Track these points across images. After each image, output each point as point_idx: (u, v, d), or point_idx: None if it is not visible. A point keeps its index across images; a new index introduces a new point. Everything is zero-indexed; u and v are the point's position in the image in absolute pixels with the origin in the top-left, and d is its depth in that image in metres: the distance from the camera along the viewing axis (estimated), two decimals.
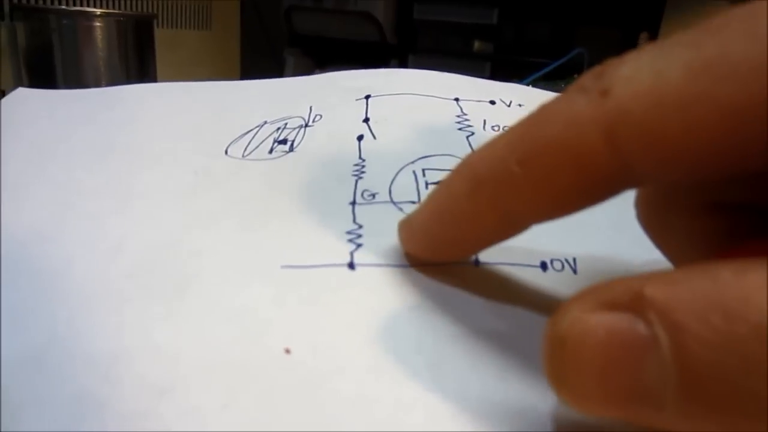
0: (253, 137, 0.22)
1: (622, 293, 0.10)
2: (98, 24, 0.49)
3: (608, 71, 0.12)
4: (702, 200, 0.14)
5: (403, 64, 0.87)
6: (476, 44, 0.84)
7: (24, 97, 0.26)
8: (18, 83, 0.51)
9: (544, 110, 0.12)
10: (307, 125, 0.23)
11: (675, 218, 0.14)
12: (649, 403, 0.10)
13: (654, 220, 0.15)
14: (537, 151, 0.12)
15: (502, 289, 0.15)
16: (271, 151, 0.21)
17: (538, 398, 0.13)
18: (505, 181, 0.13)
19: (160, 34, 0.54)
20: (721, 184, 0.13)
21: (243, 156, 0.21)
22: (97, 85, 0.48)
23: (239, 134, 0.22)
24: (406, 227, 0.16)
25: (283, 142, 0.22)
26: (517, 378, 0.13)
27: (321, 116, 0.23)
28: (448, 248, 0.15)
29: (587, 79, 0.12)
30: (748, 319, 0.09)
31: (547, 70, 0.60)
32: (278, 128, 0.23)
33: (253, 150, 0.21)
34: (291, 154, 0.21)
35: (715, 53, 0.10)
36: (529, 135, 0.13)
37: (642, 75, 0.11)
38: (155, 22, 0.54)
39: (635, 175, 0.12)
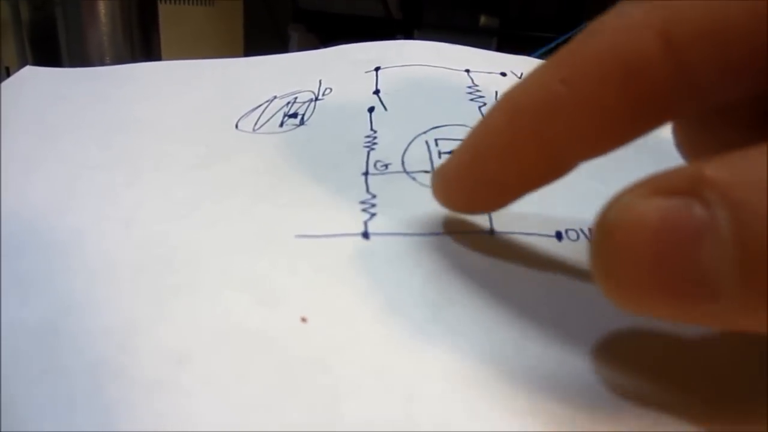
0: (263, 112, 0.22)
1: (680, 178, 0.09)
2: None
3: None
4: (754, 117, 0.13)
5: (408, 39, 0.86)
6: (482, 19, 0.83)
7: (32, 75, 0.26)
8: (21, 59, 0.50)
9: (591, 26, 0.11)
10: (317, 99, 0.22)
11: (722, 138, 0.13)
12: (705, 292, 0.09)
13: (697, 145, 0.14)
14: (584, 65, 0.11)
15: (517, 259, 0.15)
16: (281, 125, 0.21)
17: (557, 366, 0.13)
18: (548, 104, 0.12)
19: (163, 10, 0.54)
20: None
21: (254, 130, 0.21)
22: (102, 60, 0.48)
23: (249, 109, 0.22)
24: (439, 174, 0.15)
25: (294, 116, 0.22)
26: (534, 345, 0.13)
27: (331, 90, 0.23)
28: (484, 192, 0.14)
29: None
30: None
31: (554, 44, 0.59)
32: (288, 102, 0.22)
33: (264, 124, 0.21)
34: (302, 127, 0.21)
35: None
36: (575, 51, 0.11)
37: None
38: None
39: (697, 87, 0.10)
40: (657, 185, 0.10)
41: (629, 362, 0.13)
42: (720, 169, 0.09)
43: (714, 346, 0.13)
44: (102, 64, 0.48)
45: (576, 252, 0.16)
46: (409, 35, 0.86)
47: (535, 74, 0.12)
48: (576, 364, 0.13)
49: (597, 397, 0.12)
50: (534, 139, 0.12)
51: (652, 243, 0.09)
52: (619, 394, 0.12)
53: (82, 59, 0.49)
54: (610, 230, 0.10)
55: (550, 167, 0.12)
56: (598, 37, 0.11)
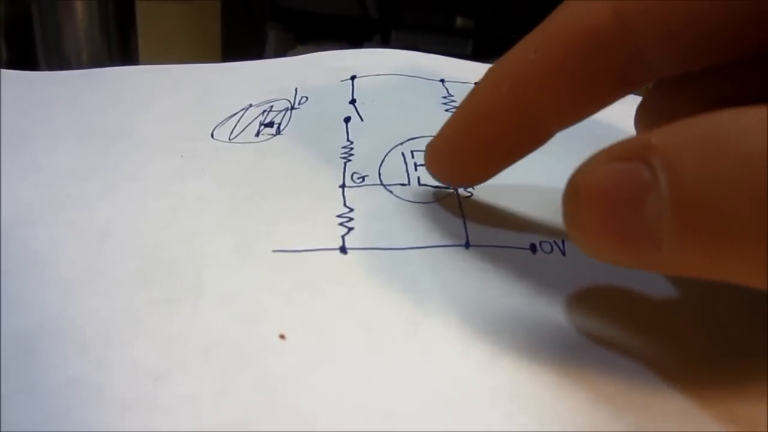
0: (239, 120, 0.22)
1: (634, 145, 0.11)
2: None
3: None
4: (707, 98, 0.14)
5: (385, 40, 0.86)
6: (458, 20, 0.83)
7: (4, 79, 0.25)
8: None
9: (563, 3, 0.13)
10: (293, 107, 0.22)
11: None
12: (649, 242, 0.10)
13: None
14: (552, 35, 0.13)
15: (492, 272, 0.15)
16: (257, 134, 0.21)
17: (530, 379, 0.13)
18: (524, 71, 0.13)
19: (140, 7, 0.53)
20: (727, 77, 0.14)
21: (229, 139, 0.21)
22: (78, 57, 0.47)
23: (224, 117, 0.22)
24: (431, 146, 0.16)
25: (270, 125, 0.22)
26: (510, 360, 0.13)
27: (307, 98, 0.23)
28: (472, 160, 0.15)
29: None
30: (739, 149, 0.09)
31: None
32: (264, 111, 0.22)
33: (240, 133, 0.21)
34: (278, 137, 0.21)
35: None
36: (547, 24, 0.13)
37: None
38: None
39: (645, 57, 0.12)
40: (615, 152, 0.11)
41: (602, 373, 0.13)
42: (662, 137, 0.10)
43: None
44: (79, 60, 0.47)
45: (549, 265, 0.16)
46: (386, 35, 0.86)
47: (516, 47, 0.14)
48: (550, 377, 0.13)
49: (572, 408, 0.12)
50: (513, 105, 0.14)
51: (607, 200, 0.11)
52: (593, 401, 0.12)
53: (58, 56, 0.48)
54: (576, 189, 0.12)
55: (530, 133, 0.14)
56: (566, 12, 0.13)
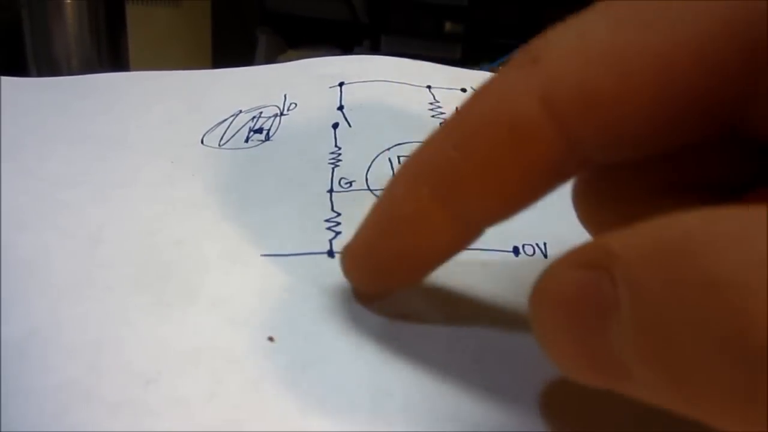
0: (229, 126, 0.22)
1: (595, 249, 0.09)
2: (68, 0, 0.47)
3: (537, 41, 0.11)
4: (647, 184, 0.13)
5: (375, 44, 0.87)
6: (447, 25, 0.84)
7: None
8: None
9: (478, 91, 0.12)
10: (282, 114, 0.23)
11: (620, 210, 0.13)
12: (617, 370, 0.09)
13: (595, 214, 0.14)
14: (472, 130, 0.11)
15: (475, 275, 0.16)
16: (247, 140, 0.21)
17: (511, 376, 0.13)
18: (445, 170, 0.12)
19: (130, 11, 0.53)
20: (668, 163, 0.12)
21: (219, 145, 0.21)
22: (68, 61, 0.47)
23: (214, 123, 0.22)
24: (347, 253, 0.14)
25: (259, 131, 0.22)
26: (493, 361, 0.14)
27: (296, 105, 0.23)
28: (396, 268, 0.13)
29: (519, 53, 0.11)
30: (708, 273, 0.08)
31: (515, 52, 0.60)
32: (253, 117, 0.23)
33: (229, 139, 0.22)
34: (267, 143, 0.21)
35: (640, 2, 0.10)
36: (464, 116, 0.12)
37: (569, 36, 0.11)
38: None
39: (579, 148, 0.11)
40: (578, 257, 0.10)
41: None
42: (625, 245, 0.09)
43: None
44: (69, 65, 0.47)
45: (531, 267, 0.16)
46: (376, 40, 0.87)
47: (430, 141, 0.12)
48: (530, 382, 0.13)
49: (556, 405, 0.13)
50: (435, 208, 0.12)
51: (570, 315, 0.10)
52: (577, 412, 0.13)
53: (48, 61, 0.48)
54: (539, 298, 0.10)
55: (458, 234, 0.12)
56: (484, 104, 0.11)
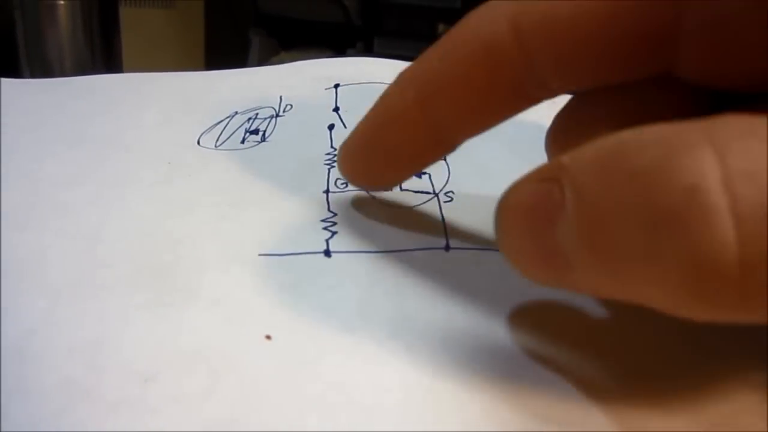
0: (225, 127, 0.22)
1: (550, 165, 0.11)
2: (62, 2, 0.47)
3: None
4: (605, 126, 0.14)
5: (368, 46, 0.87)
6: (440, 27, 0.84)
7: None
8: None
9: (468, 14, 0.13)
10: (278, 115, 0.23)
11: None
12: (563, 263, 0.10)
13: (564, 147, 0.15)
14: (454, 45, 0.13)
15: (471, 274, 0.16)
16: (243, 141, 0.22)
17: (508, 375, 0.13)
18: (428, 78, 0.13)
19: (124, 13, 0.53)
20: (621, 104, 0.14)
21: (215, 146, 0.21)
22: (62, 63, 0.47)
23: (210, 125, 0.23)
24: (343, 147, 0.16)
25: (255, 132, 0.22)
26: (491, 358, 0.14)
27: (291, 106, 0.23)
28: (382, 164, 0.15)
29: None
30: (633, 166, 0.09)
31: None
32: (249, 118, 0.23)
33: (225, 140, 0.22)
34: (263, 144, 0.21)
35: None
36: (451, 34, 0.13)
37: None
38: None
39: (539, 71, 0.12)
40: (536, 173, 0.11)
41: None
42: (572, 157, 0.10)
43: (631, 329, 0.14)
44: (62, 66, 0.47)
45: None
46: (369, 42, 0.87)
47: (424, 53, 0.14)
48: (527, 372, 0.13)
49: (553, 406, 0.13)
50: (418, 111, 0.14)
51: (525, 220, 0.11)
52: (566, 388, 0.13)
53: (41, 62, 0.48)
54: (503, 209, 0.12)
55: (434, 140, 0.14)
56: (469, 22, 0.13)
